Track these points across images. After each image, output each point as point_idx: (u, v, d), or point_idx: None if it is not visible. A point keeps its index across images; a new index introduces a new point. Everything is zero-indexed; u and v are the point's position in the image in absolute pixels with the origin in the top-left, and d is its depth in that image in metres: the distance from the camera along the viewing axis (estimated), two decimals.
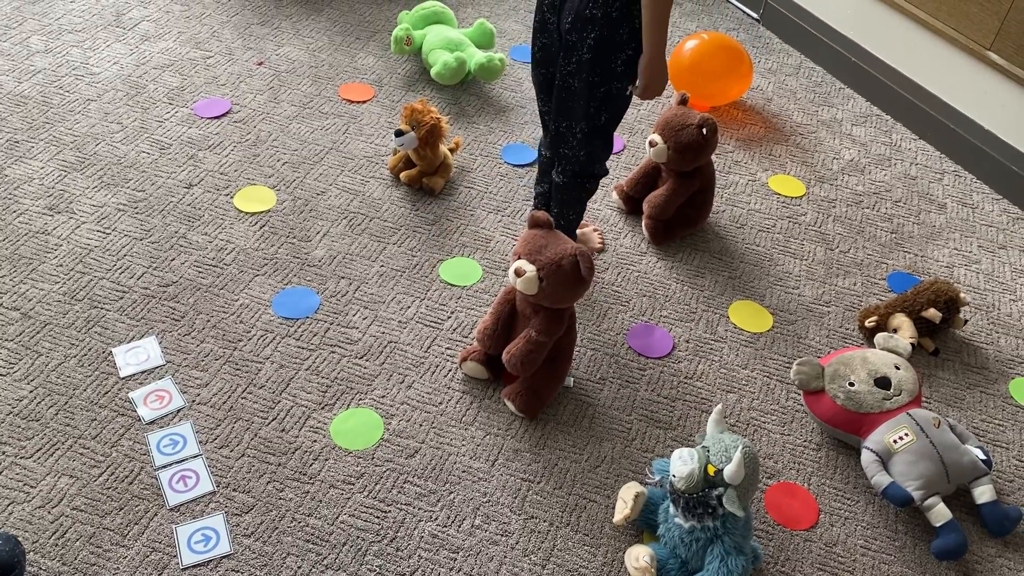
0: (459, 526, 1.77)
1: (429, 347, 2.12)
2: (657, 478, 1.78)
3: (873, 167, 2.91)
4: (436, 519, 1.78)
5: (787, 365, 2.18)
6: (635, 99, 2.09)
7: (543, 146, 2.23)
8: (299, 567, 1.67)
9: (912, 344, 2.14)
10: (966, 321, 2.31)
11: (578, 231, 2.40)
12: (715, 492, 1.58)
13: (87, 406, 1.89)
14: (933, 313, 2.20)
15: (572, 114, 2.00)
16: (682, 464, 1.59)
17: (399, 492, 1.81)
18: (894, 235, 2.65)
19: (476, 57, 2.92)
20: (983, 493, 1.87)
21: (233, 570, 1.65)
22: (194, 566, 1.65)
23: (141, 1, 3.16)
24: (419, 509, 1.79)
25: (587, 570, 1.73)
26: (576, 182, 2.12)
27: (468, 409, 2.00)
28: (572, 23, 1.86)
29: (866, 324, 2.26)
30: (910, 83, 3.06)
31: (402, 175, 2.55)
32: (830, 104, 3.20)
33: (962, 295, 2.26)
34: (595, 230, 2.50)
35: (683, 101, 2.43)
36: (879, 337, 2.10)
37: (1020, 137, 2.76)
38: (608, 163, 2.17)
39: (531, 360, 1.91)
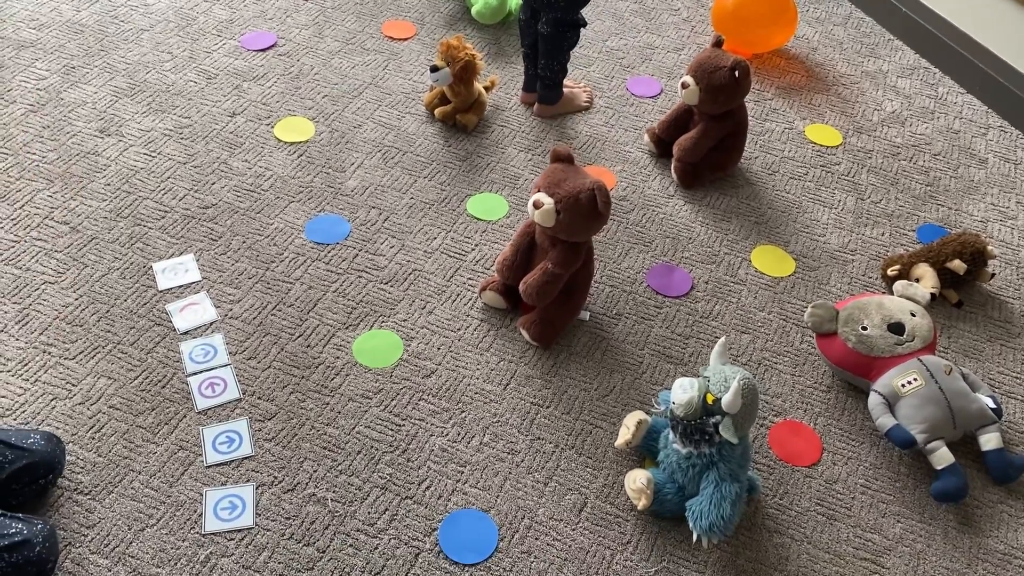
0: (468, 442, 1.85)
1: (452, 276, 2.19)
2: (662, 408, 1.83)
3: (915, 119, 2.87)
4: (447, 435, 1.86)
5: (804, 309, 2.20)
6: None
7: (520, 10, 2.64)
8: (315, 471, 1.77)
9: (933, 294, 2.13)
10: (993, 275, 2.29)
11: (565, 88, 2.69)
12: (712, 420, 1.62)
13: (127, 315, 2.01)
14: (958, 264, 2.18)
15: None
16: (682, 392, 1.64)
17: (414, 408, 1.90)
18: (929, 188, 2.62)
19: None
20: (989, 440, 1.88)
21: (253, 470, 1.76)
22: (217, 464, 1.76)
23: None
24: (431, 425, 1.87)
25: (588, 490, 1.80)
26: (558, 31, 2.49)
27: (485, 336, 2.07)
28: None
29: (888, 272, 2.26)
30: (961, 35, 2.98)
31: (437, 111, 2.60)
32: (877, 55, 3.14)
33: (990, 248, 2.24)
34: (584, 88, 2.76)
35: (718, 43, 2.42)
36: (898, 284, 2.10)
37: None
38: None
39: (546, 291, 1.97)
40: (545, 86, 2.63)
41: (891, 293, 2.16)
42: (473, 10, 2.92)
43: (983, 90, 2.95)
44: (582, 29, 2.57)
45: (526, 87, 2.72)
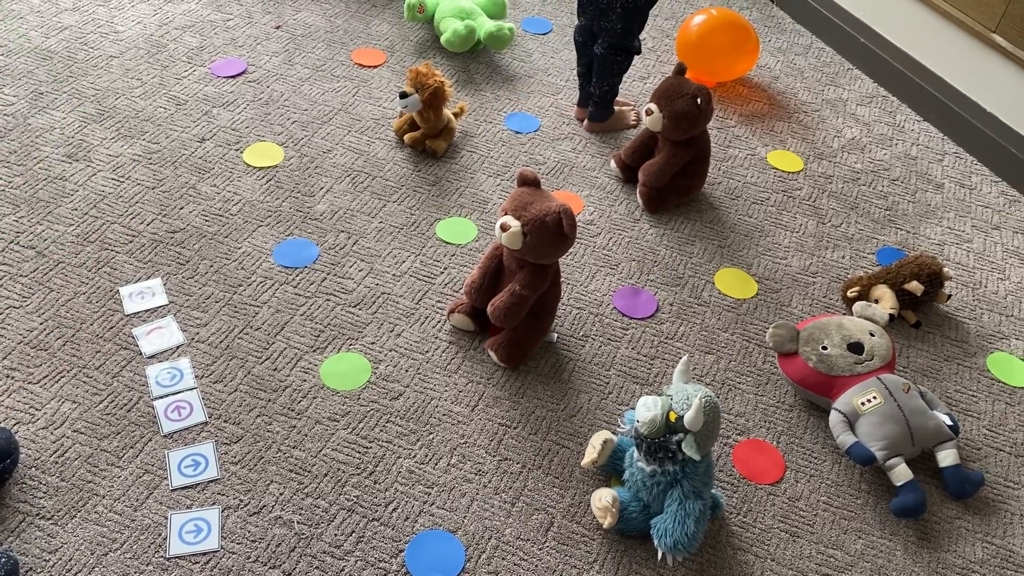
0: (436, 464, 1.86)
1: (420, 299, 2.21)
2: (627, 427, 1.85)
3: (874, 146, 2.95)
4: (414, 456, 1.87)
5: (767, 330, 2.23)
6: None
7: (577, 32, 2.75)
8: (281, 493, 1.77)
9: (892, 314, 2.18)
10: (950, 296, 2.34)
11: (616, 107, 2.82)
12: (675, 437, 1.65)
13: (92, 339, 2.00)
14: (915, 286, 2.24)
15: None
16: (646, 410, 1.66)
17: (381, 430, 1.91)
18: (888, 212, 2.68)
19: (486, 26, 2.99)
20: (946, 457, 1.92)
21: (219, 493, 1.75)
22: (182, 488, 1.75)
23: None
24: (399, 447, 1.88)
25: (554, 510, 1.81)
26: (611, 54, 2.62)
27: (453, 358, 2.08)
28: None
29: (848, 294, 2.31)
30: (917, 65, 3.08)
31: (406, 137, 2.63)
32: (837, 84, 3.22)
33: (945, 270, 2.30)
34: (632, 108, 2.90)
35: (681, 71, 2.48)
36: (857, 305, 2.15)
37: (1021, 121, 2.77)
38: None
39: (514, 313, 1.99)
40: (596, 104, 2.77)
41: (851, 314, 2.20)
42: (442, 39, 2.97)
43: (939, 118, 3.04)
44: (636, 56, 2.72)
45: (580, 102, 2.87)
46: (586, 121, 2.83)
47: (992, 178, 2.87)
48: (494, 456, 1.89)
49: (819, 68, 3.30)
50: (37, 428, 1.81)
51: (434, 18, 3.07)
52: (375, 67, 2.96)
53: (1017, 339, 2.32)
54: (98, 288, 2.11)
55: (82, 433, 1.82)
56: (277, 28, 3.07)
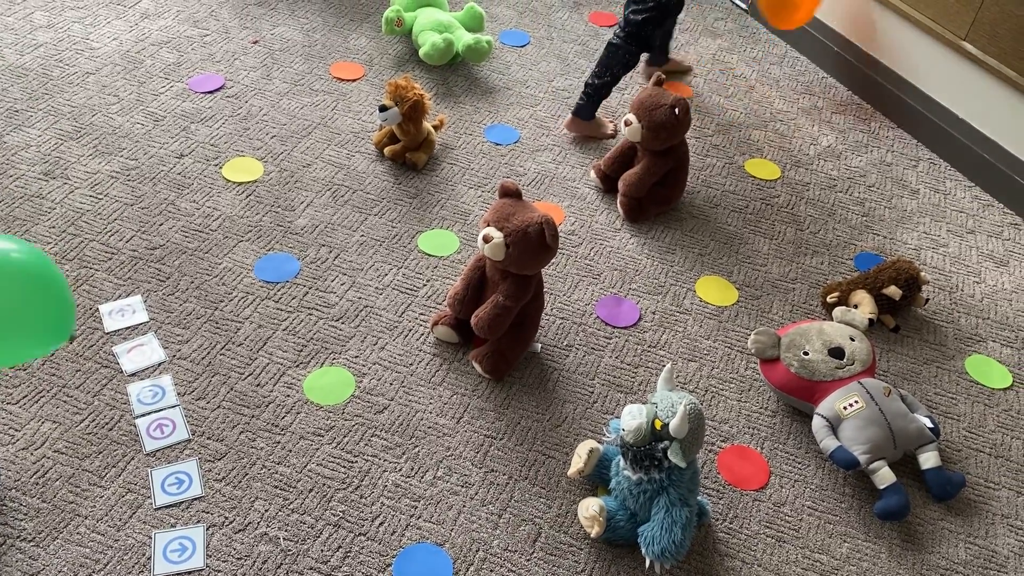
0: (422, 477, 1.85)
1: (403, 312, 2.20)
2: (613, 436, 1.86)
3: (849, 153, 2.98)
4: (400, 470, 1.86)
5: (748, 337, 2.25)
6: None
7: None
8: (266, 510, 1.75)
9: (871, 319, 2.21)
10: (927, 300, 2.37)
11: (596, 117, 2.83)
12: (661, 445, 1.65)
13: (72, 358, 1.98)
14: (893, 290, 2.26)
15: None
16: (631, 418, 1.67)
17: (366, 444, 1.90)
18: (865, 218, 2.72)
19: (464, 39, 3.00)
20: (928, 459, 1.94)
21: (203, 511, 1.74)
22: (166, 506, 1.74)
23: None
24: (384, 460, 1.87)
25: (541, 520, 1.81)
26: (626, 44, 2.69)
27: (437, 370, 2.08)
28: None
29: (828, 300, 2.33)
30: (890, 72, 3.12)
31: (386, 150, 2.63)
32: (811, 92, 3.26)
33: (922, 274, 2.33)
34: (612, 121, 2.90)
35: (659, 82, 2.50)
36: (837, 311, 2.17)
37: (992, 126, 2.82)
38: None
39: (498, 324, 1.99)
40: (587, 96, 2.78)
41: (831, 319, 2.22)
42: (421, 52, 2.97)
43: (912, 124, 3.08)
44: (642, 55, 2.78)
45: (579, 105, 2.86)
46: (568, 116, 2.83)
47: (965, 183, 2.91)
48: (480, 468, 1.89)
49: (794, 77, 3.34)
50: (17, 449, 1.79)
51: (412, 31, 3.08)
52: (354, 80, 2.96)
53: (994, 341, 2.36)
54: (77, 306, 2.09)
55: (63, 453, 1.80)
56: (255, 43, 3.07)
